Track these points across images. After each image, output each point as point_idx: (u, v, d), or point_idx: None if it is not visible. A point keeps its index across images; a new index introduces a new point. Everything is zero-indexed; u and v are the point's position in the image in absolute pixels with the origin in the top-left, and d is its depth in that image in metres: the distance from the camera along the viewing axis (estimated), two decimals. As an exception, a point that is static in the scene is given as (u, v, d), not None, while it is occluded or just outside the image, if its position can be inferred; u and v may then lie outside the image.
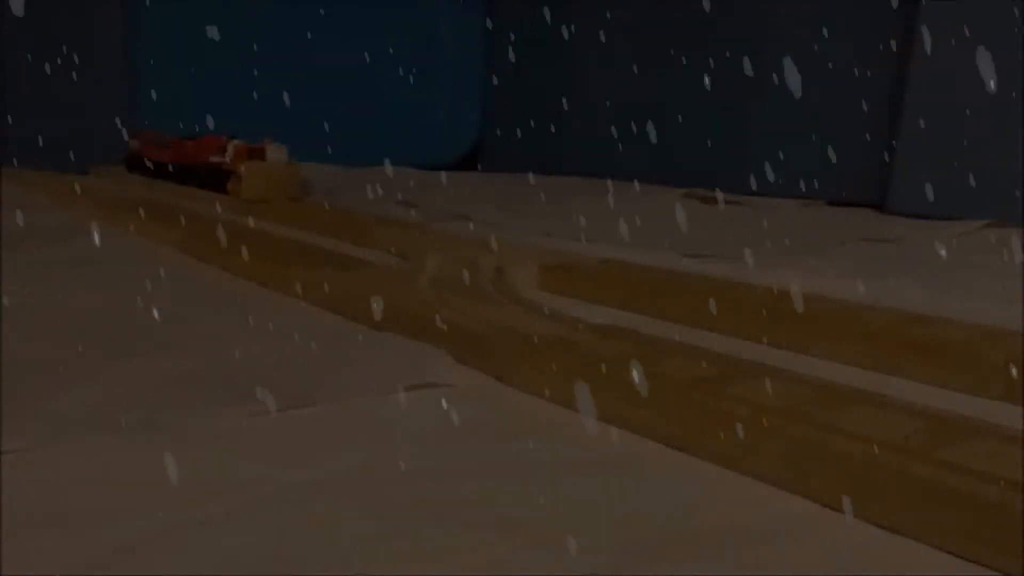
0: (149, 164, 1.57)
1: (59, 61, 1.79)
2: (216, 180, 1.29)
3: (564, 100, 2.13)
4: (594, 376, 0.42)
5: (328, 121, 1.81)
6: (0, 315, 0.57)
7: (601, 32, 2.02)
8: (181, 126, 1.58)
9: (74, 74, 1.83)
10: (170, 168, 1.48)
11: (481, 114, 2.43)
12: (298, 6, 2.10)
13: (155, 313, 0.61)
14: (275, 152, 1.26)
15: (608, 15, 1.99)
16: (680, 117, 1.85)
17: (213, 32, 1.67)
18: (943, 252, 1.00)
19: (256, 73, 2.01)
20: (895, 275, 0.80)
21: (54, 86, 1.79)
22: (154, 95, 1.94)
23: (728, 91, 1.77)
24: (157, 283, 0.73)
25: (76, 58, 1.86)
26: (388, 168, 1.55)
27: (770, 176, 1.61)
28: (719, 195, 1.48)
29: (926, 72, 1.37)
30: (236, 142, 1.29)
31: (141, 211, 1.07)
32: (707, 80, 1.80)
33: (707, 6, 1.77)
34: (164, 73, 1.96)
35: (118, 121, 1.48)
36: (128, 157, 1.67)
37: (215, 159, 1.32)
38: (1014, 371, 0.45)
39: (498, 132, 2.34)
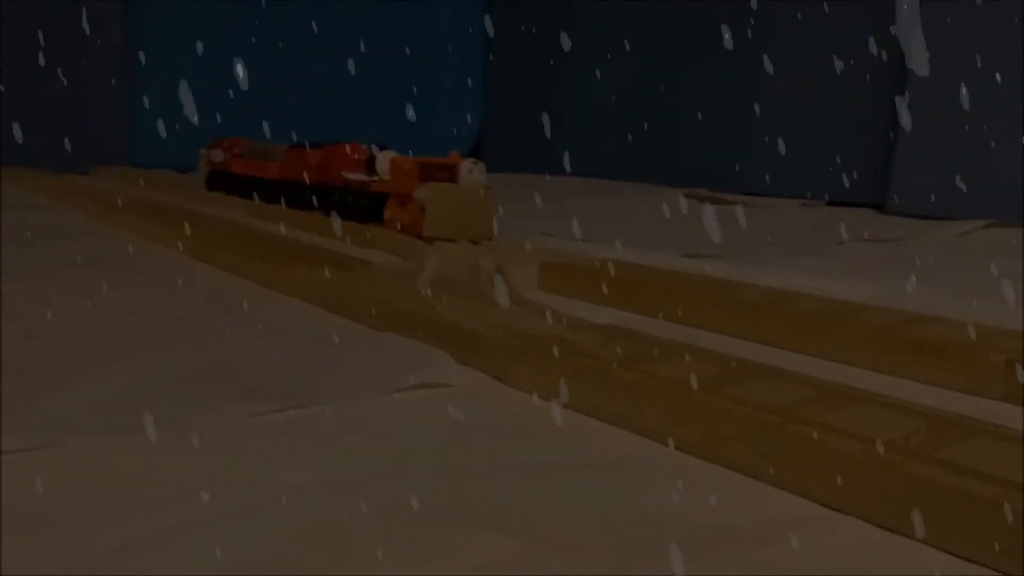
0: (239, 180, 1.27)
1: (59, 61, 1.79)
2: (365, 207, 0.97)
3: (564, 100, 2.14)
4: (594, 376, 0.42)
5: (328, 122, 1.81)
6: (0, 315, 0.57)
7: (601, 32, 2.03)
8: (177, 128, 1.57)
9: (74, 74, 1.84)
10: (279, 188, 1.15)
11: (481, 114, 2.43)
12: (299, 7, 2.10)
13: (155, 313, 0.61)
14: (472, 172, 0.90)
15: (608, 15, 2.00)
16: (680, 117, 1.85)
17: (214, 32, 1.67)
18: (943, 252, 1.00)
19: (256, 74, 2.01)
20: (895, 275, 0.80)
21: (54, 86, 1.79)
22: (155, 95, 1.94)
23: (728, 91, 1.77)
24: (157, 283, 0.73)
25: (76, 58, 1.86)
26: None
27: (770, 176, 1.61)
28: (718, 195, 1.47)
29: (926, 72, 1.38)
30: (392, 153, 0.95)
31: (141, 211, 1.07)
32: (707, 80, 1.80)
33: (708, 6, 1.77)
34: (164, 73, 1.97)
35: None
36: (209, 173, 1.40)
37: (356, 176, 0.98)
38: (1014, 371, 0.45)
39: (498, 132, 2.34)
